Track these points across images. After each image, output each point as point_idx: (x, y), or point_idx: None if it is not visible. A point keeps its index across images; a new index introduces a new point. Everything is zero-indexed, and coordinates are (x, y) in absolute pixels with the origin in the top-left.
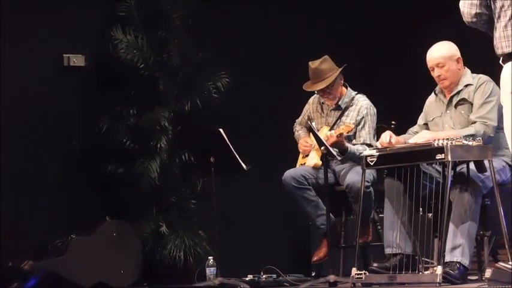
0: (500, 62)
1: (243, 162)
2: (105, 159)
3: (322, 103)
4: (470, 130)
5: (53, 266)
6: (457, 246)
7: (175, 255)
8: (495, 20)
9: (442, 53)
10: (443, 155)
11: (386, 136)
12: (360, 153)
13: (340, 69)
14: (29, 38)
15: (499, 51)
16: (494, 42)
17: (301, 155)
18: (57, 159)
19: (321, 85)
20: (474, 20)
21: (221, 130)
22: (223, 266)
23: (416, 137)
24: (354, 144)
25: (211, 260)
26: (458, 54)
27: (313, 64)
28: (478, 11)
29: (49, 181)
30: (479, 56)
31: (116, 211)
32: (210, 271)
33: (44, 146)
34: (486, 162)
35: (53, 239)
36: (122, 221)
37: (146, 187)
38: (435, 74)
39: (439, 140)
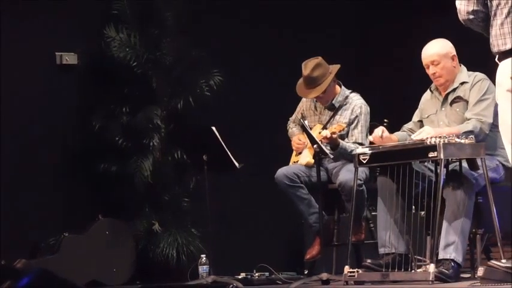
0: (496, 60)
1: (235, 160)
2: (98, 157)
3: (316, 101)
4: (468, 127)
5: (45, 264)
6: (451, 243)
7: (168, 254)
8: (491, 18)
9: (436, 51)
10: (435, 153)
11: (379, 131)
12: (351, 150)
13: (332, 74)
14: (22, 36)
15: (495, 49)
16: (491, 40)
17: (294, 153)
18: (50, 158)
19: (314, 94)
20: (471, 17)
21: (214, 128)
22: (216, 264)
23: (418, 132)
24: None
25: (204, 258)
26: (454, 52)
27: (305, 70)
28: (475, 8)
29: (42, 179)
30: (476, 55)
31: (109, 209)
32: (203, 269)
33: (37, 144)
34: (479, 160)
35: (46, 238)
36: (114, 219)
37: (139, 185)
38: (430, 71)
39: (431, 138)
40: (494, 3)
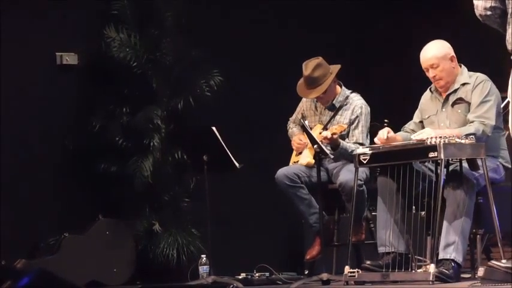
0: None
1: (235, 160)
2: (98, 157)
3: (317, 101)
4: (470, 129)
5: (45, 265)
6: (451, 243)
7: (168, 254)
8: (509, 15)
9: (435, 53)
10: (436, 153)
11: (384, 132)
12: (352, 150)
13: (333, 74)
14: (22, 36)
15: (510, 47)
16: (507, 38)
17: (294, 153)
18: (50, 158)
19: (314, 94)
20: (488, 13)
21: (214, 128)
22: (216, 264)
23: (419, 133)
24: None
25: (204, 259)
26: (452, 53)
27: (306, 70)
28: (492, 4)
29: (42, 180)
30: (477, 55)
31: (109, 209)
32: (203, 269)
33: (37, 144)
34: (479, 161)
35: (46, 237)
36: (115, 220)
37: (139, 186)
38: (430, 74)
39: (432, 138)
40: None
